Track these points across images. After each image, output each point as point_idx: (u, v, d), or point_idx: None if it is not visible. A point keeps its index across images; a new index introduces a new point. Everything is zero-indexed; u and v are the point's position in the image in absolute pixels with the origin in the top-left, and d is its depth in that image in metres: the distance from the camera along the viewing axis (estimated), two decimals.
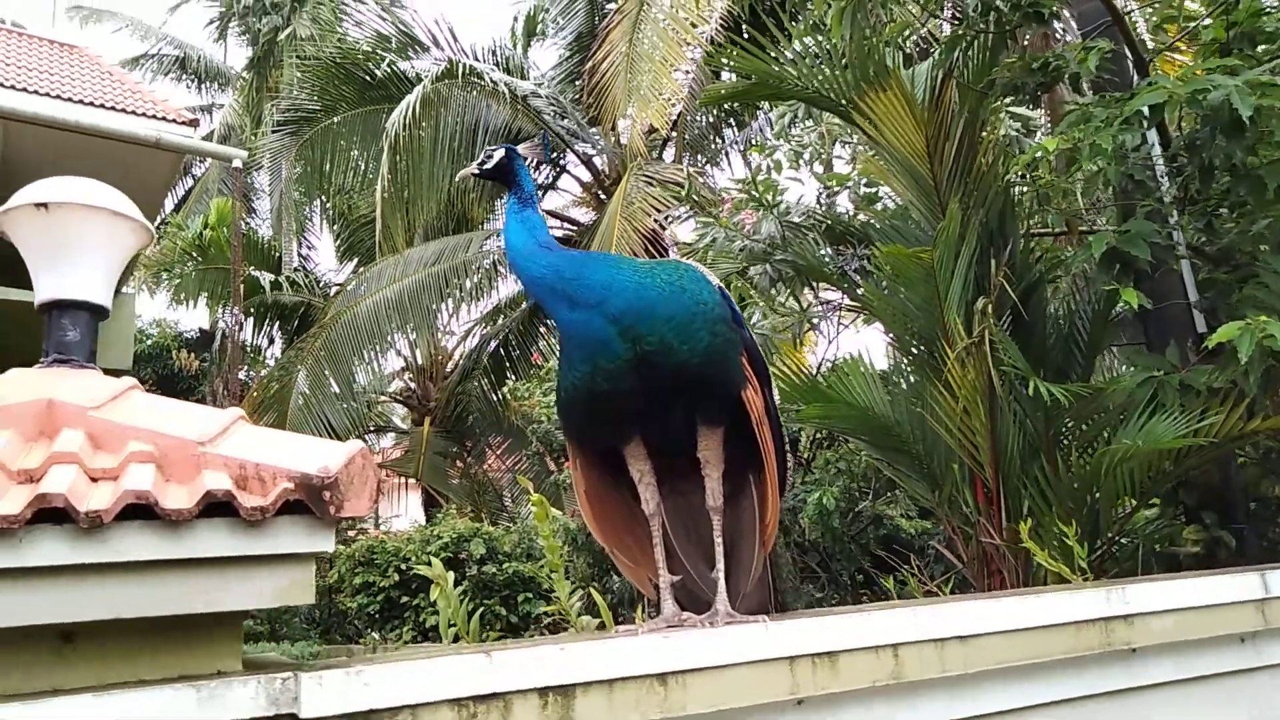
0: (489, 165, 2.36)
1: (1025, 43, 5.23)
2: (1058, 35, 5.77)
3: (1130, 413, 5.02)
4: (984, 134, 5.57)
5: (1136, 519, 5.52)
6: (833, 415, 5.34)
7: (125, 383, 1.72)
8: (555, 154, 11.45)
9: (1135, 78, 5.11)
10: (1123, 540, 5.45)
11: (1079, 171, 4.32)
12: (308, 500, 1.44)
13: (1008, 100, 5.58)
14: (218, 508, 1.41)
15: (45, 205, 1.69)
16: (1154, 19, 5.59)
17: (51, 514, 1.32)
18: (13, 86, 8.57)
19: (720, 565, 2.06)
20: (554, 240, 2.16)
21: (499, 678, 1.57)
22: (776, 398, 2.24)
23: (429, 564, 10.63)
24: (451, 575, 4.30)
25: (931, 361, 5.32)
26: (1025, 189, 5.60)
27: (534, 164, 2.64)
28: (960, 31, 4.80)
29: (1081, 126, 4.19)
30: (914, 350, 5.55)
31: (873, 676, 1.90)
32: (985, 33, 4.75)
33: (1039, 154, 4.31)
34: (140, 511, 1.36)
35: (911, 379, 5.73)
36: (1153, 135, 5.17)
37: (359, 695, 1.46)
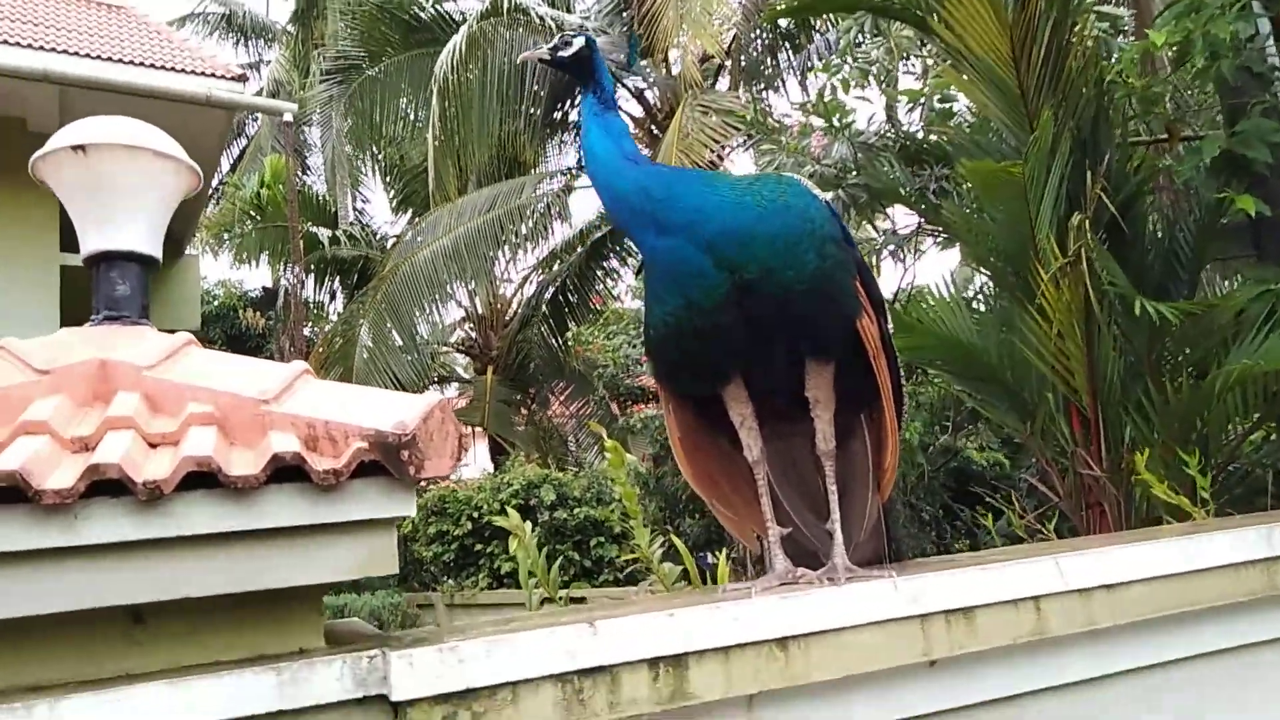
0: (565, 53, 1.99)
1: None
2: None
3: (1243, 330, 4.66)
4: (1073, 36, 5.13)
5: (1246, 445, 5.18)
6: (916, 346, 5.07)
7: (181, 338, 1.59)
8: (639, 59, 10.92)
9: None
10: (1231, 468, 5.11)
11: (1190, 67, 3.91)
12: (384, 460, 1.29)
13: None
14: (287, 473, 1.27)
15: (83, 148, 1.54)
16: None
17: (108, 486, 1.19)
18: (64, 51, 8.54)
19: (836, 515, 1.87)
20: (639, 151, 1.92)
21: (605, 649, 1.41)
22: (890, 326, 2.00)
23: (502, 512, 10.66)
24: (528, 525, 4.23)
25: (1021, 284, 5.00)
26: (1120, 93, 5.15)
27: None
28: None
29: (1193, 16, 3.78)
30: (1001, 273, 5.23)
31: (1012, 633, 1.70)
32: None
33: (1143, 50, 3.91)
34: (203, 480, 1.23)
35: (999, 303, 5.42)
36: (1264, 25, 4.70)
37: (454, 674, 1.32)
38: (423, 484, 1.36)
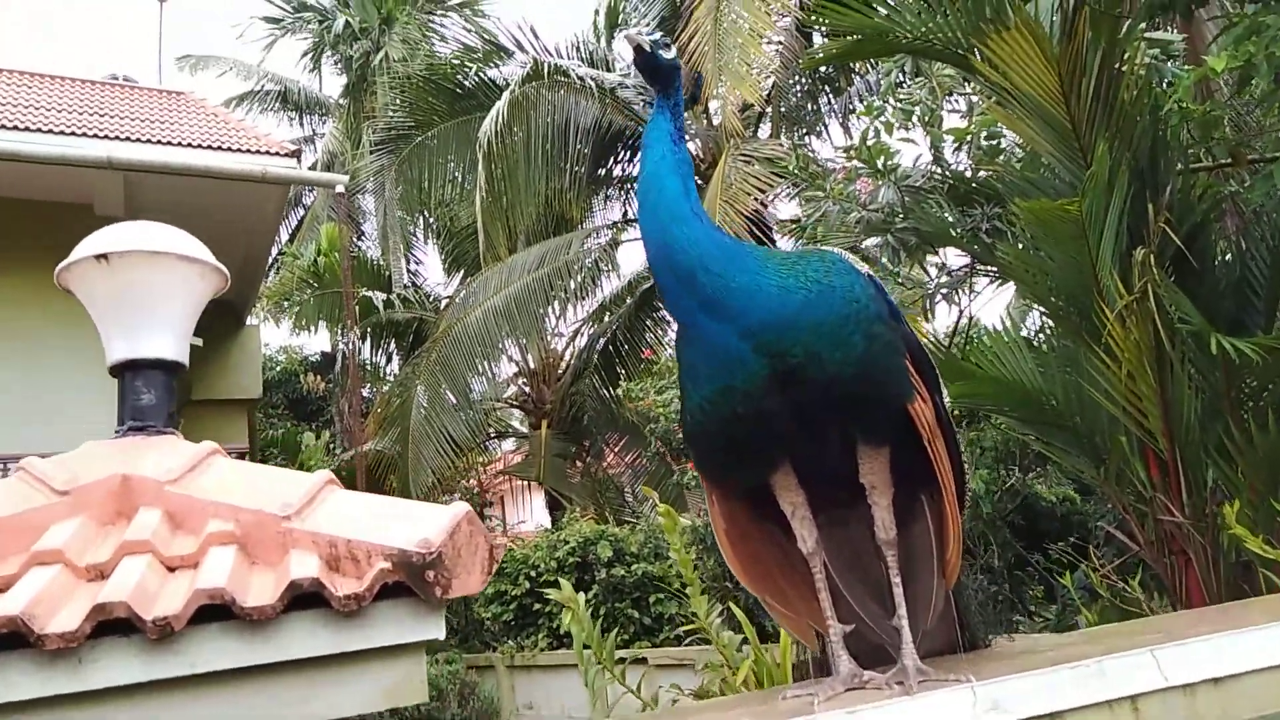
0: (665, 55, 1.85)
1: None
2: None
3: None
4: (1124, 65, 4.97)
5: None
6: (978, 392, 4.89)
7: (205, 448, 1.54)
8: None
9: None
10: None
11: (1255, 90, 3.74)
12: (409, 581, 1.22)
13: (1145, 25, 4.97)
14: (308, 597, 1.20)
15: (105, 256, 1.52)
16: None
17: (119, 622, 1.14)
18: (126, 138, 8.90)
19: (902, 609, 1.72)
20: (700, 202, 1.81)
21: None
22: (947, 399, 1.86)
23: (560, 570, 10.55)
24: (581, 597, 4.11)
25: (1085, 324, 4.79)
26: (1176, 120, 4.97)
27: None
28: None
29: (1254, 39, 3.62)
30: (1063, 313, 5.03)
31: None
32: None
33: (1202, 77, 3.75)
34: (219, 610, 1.17)
35: (1062, 342, 5.21)
36: None
37: None
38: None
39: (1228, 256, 5.25)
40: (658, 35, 1.85)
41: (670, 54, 1.84)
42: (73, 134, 8.75)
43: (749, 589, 1.93)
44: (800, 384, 1.59)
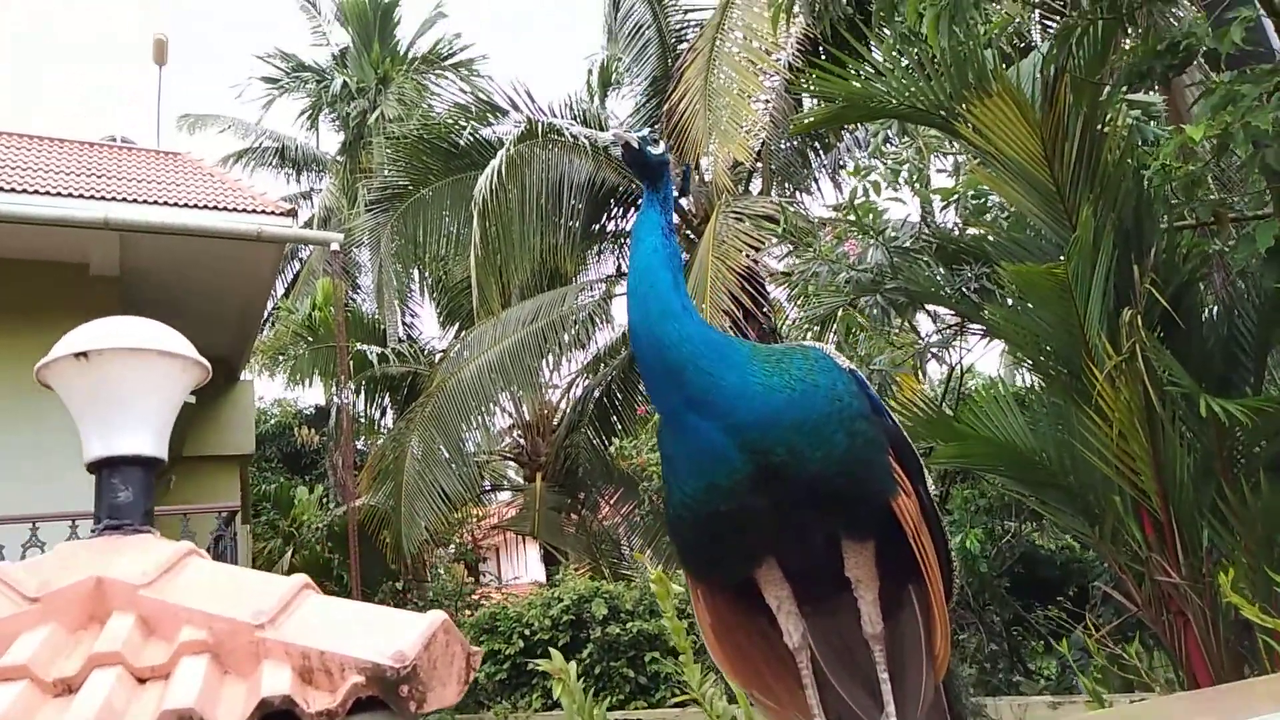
0: (654, 151, 1.88)
1: (1142, 26, 4.73)
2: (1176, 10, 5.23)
3: None
4: (1106, 128, 5.06)
5: None
6: (971, 453, 4.88)
7: (180, 549, 1.53)
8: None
9: (1279, 46, 4.54)
10: None
11: (1230, 158, 3.80)
12: (383, 696, 1.20)
13: (1127, 89, 5.07)
14: (281, 714, 1.18)
15: (85, 354, 1.52)
16: None
17: None
18: (124, 199, 8.98)
19: (890, 707, 1.70)
20: (690, 296, 1.80)
21: None
22: (931, 486, 1.85)
23: (551, 629, 10.40)
24: (573, 666, 4.05)
25: (1075, 384, 4.80)
26: (1159, 181, 5.05)
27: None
28: (1071, 21, 4.35)
29: (1230, 109, 3.69)
30: (1053, 372, 5.05)
31: None
32: (1099, 19, 4.29)
33: (1181, 144, 3.81)
34: None
35: (1053, 402, 5.21)
36: None
37: None
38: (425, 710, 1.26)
39: (1215, 312, 5.29)
40: (646, 132, 1.89)
41: (659, 150, 1.87)
42: (69, 195, 8.82)
43: (733, 684, 1.90)
44: (783, 481, 1.58)
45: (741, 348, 1.71)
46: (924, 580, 1.71)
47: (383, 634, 1.27)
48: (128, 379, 1.54)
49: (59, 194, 8.76)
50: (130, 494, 1.55)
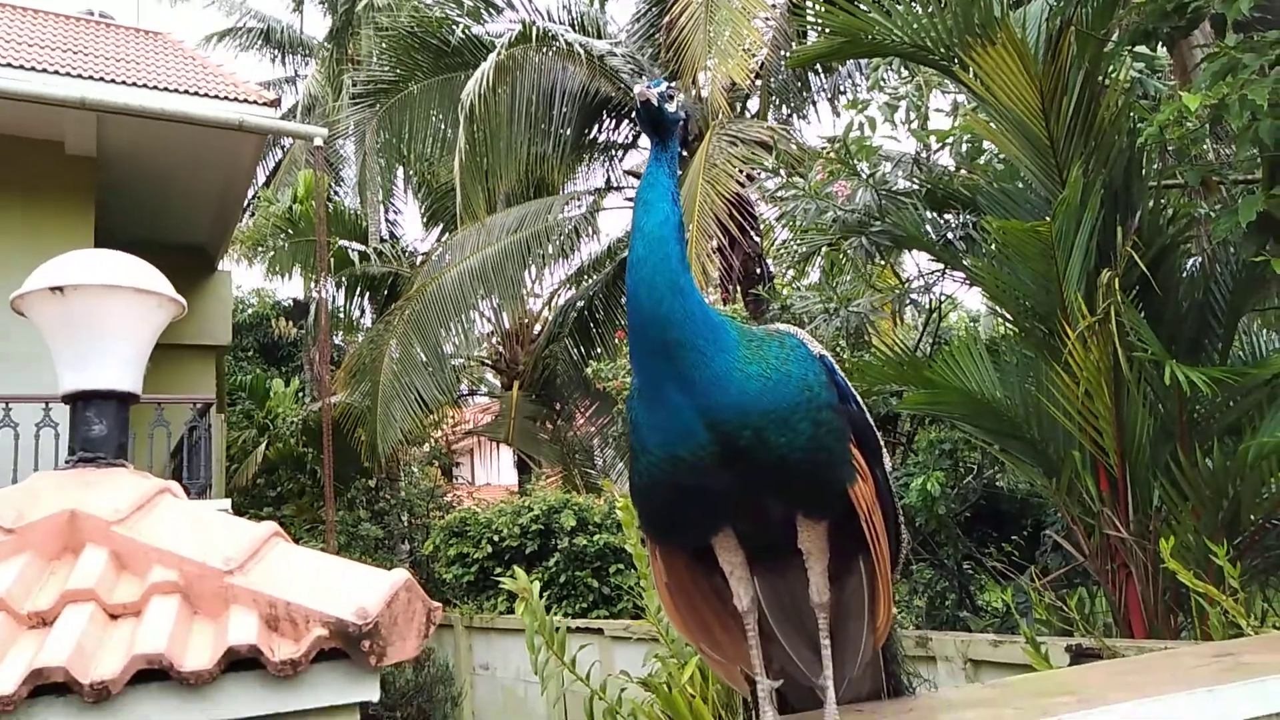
0: (671, 109, 1.78)
1: None
2: None
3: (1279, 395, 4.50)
4: (1107, 81, 5.00)
5: None
6: (939, 400, 4.97)
7: (154, 486, 1.56)
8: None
9: None
10: (1272, 525, 4.92)
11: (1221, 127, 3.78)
12: (345, 648, 1.25)
13: (1131, 46, 4.99)
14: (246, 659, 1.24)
15: (61, 289, 1.52)
16: None
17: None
18: (103, 79, 8.70)
19: (829, 672, 1.79)
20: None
21: None
22: (889, 464, 1.91)
23: (520, 537, 10.58)
24: (536, 585, 4.17)
25: (1048, 340, 4.88)
26: (1157, 135, 5.02)
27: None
28: None
29: (1229, 80, 3.65)
30: (1027, 326, 5.11)
31: None
32: None
33: (1177, 113, 3.79)
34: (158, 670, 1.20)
35: (1024, 355, 5.29)
36: None
37: None
38: (385, 666, 1.32)
39: (1193, 276, 5.34)
40: (664, 86, 1.80)
41: (674, 106, 1.79)
42: (47, 71, 8.53)
43: (684, 637, 1.98)
44: (746, 463, 1.63)
45: (731, 330, 1.71)
46: (873, 556, 1.79)
47: (348, 588, 1.33)
48: (103, 314, 1.55)
49: (34, 69, 8.47)
50: (104, 427, 1.57)
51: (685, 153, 11.60)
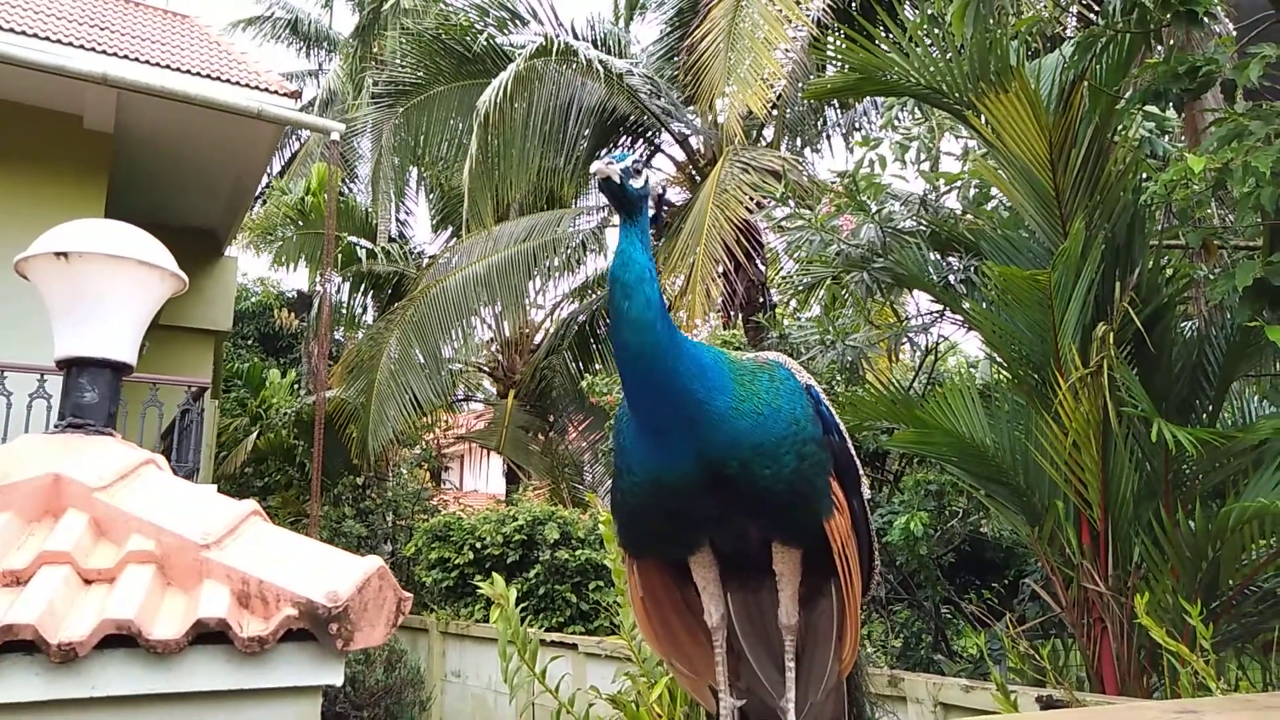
0: (635, 185, 1.80)
1: (1169, 43, 4.69)
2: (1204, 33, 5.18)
3: (1265, 460, 4.52)
4: (1115, 139, 5.05)
5: (1264, 572, 5.01)
6: (927, 442, 4.99)
7: (139, 457, 1.58)
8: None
9: None
10: (1250, 591, 4.93)
11: (1224, 191, 3.83)
12: (313, 630, 1.27)
13: (1142, 105, 5.05)
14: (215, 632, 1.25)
15: (65, 255, 1.55)
16: None
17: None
18: (125, 56, 8.77)
19: (791, 695, 1.80)
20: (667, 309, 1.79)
21: None
22: (866, 492, 1.93)
23: (503, 546, 10.55)
24: (513, 592, 4.18)
25: (1040, 389, 4.90)
26: (1161, 199, 5.07)
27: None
28: (1096, 30, 4.31)
29: (1234, 145, 3.70)
30: (1020, 374, 5.13)
31: None
32: (1125, 32, 4.26)
33: (1181, 177, 3.83)
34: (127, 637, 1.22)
35: (1017, 403, 5.32)
36: None
37: None
38: (351, 652, 1.34)
39: (1188, 338, 5.37)
40: (628, 162, 1.80)
41: (639, 182, 1.80)
42: (70, 44, 8.60)
43: (655, 650, 2.00)
44: (729, 490, 1.66)
45: (724, 368, 1.73)
46: (843, 586, 1.81)
47: (321, 571, 1.34)
48: (105, 284, 1.57)
49: (59, 41, 8.54)
50: (95, 395, 1.59)
51: (698, 176, 11.69)
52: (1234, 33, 4.93)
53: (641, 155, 12.73)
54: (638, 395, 1.69)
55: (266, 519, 1.52)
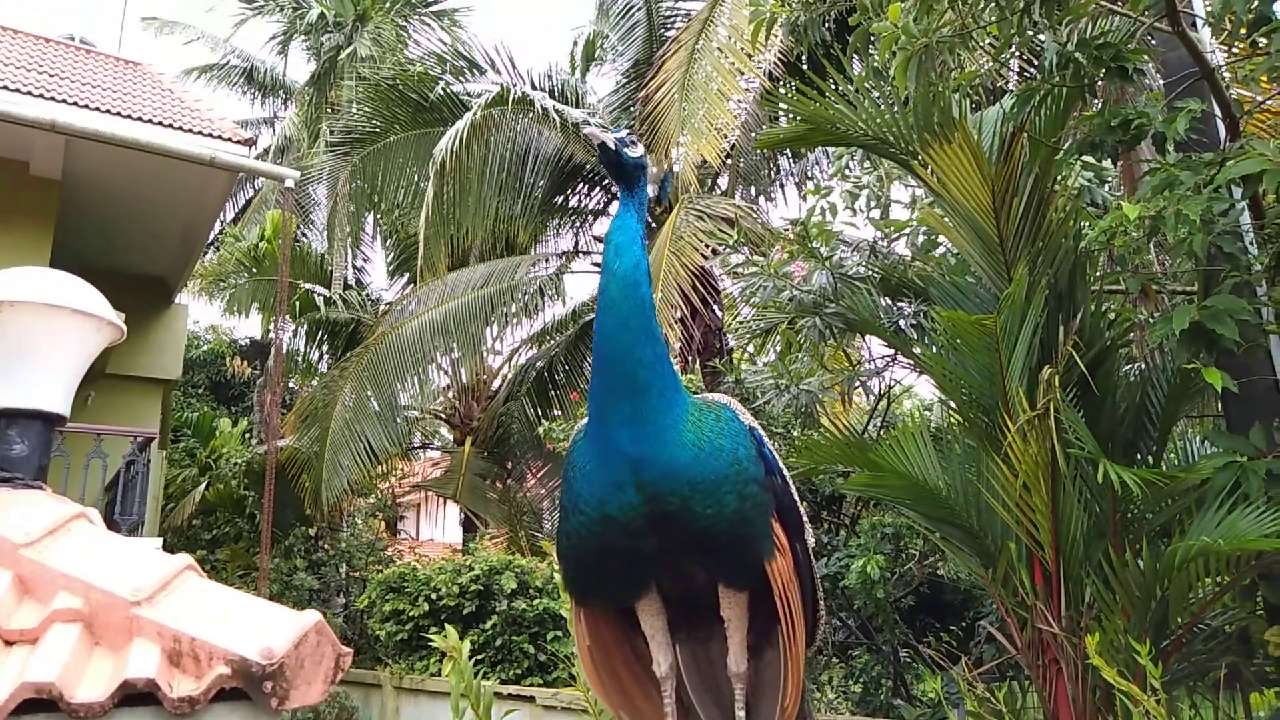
0: (632, 154, 1.84)
1: (1102, 97, 4.89)
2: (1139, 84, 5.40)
3: (1209, 499, 4.62)
4: (1056, 188, 5.22)
5: (1211, 609, 5.10)
6: (881, 484, 5.02)
7: (70, 511, 1.53)
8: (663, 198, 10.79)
9: (1225, 137, 4.73)
10: (1199, 629, 5.00)
11: (1160, 237, 3.97)
12: (247, 689, 1.23)
13: (1079, 156, 5.24)
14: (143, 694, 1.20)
15: None
16: (1246, 71, 5.20)
17: None
18: (74, 103, 8.68)
19: None
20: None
21: None
22: (810, 539, 1.94)
23: (459, 597, 10.37)
24: (466, 645, 4.10)
25: (990, 432, 4.98)
26: (1101, 245, 5.23)
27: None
28: (1034, 84, 4.48)
29: (1166, 194, 3.85)
30: (971, 417, 5.21)
31: None
32: (1062, 85, 4.43)
33: (1118, 224, 3.96)
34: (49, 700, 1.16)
35: (968, 445, 5.39)
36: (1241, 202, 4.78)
37: None
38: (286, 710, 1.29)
39: (1130, 380, 5.51)
40: (624, 133, 1.86)
41: (636, 151, 1.86)
42: (18, 91, 8.50)
43: (603, 702, 1.96)
44: (672, 528, 1.66)
45: (680, 387, 1.76)
46: (784, 629, 1.80)
47: (258, 627, 1.30)
48: (38, 332, 1.53)
49: (5, 87, 8.44)
50: (25, 448, 1.54)
51: (653, 223, 11.81)
52: (1163, 87, 5.14)
53: (598, 203, 12.85)
54: (605, 350, 1.71)
55: (202, 573, 1.48)
